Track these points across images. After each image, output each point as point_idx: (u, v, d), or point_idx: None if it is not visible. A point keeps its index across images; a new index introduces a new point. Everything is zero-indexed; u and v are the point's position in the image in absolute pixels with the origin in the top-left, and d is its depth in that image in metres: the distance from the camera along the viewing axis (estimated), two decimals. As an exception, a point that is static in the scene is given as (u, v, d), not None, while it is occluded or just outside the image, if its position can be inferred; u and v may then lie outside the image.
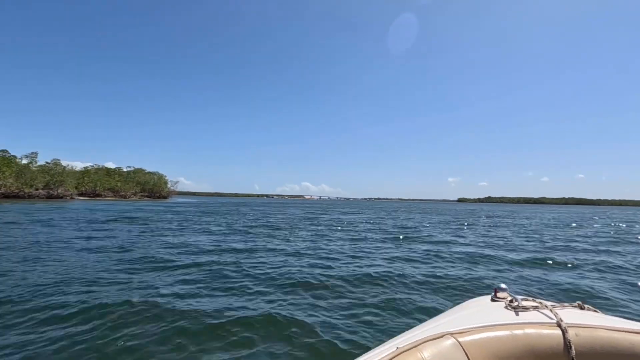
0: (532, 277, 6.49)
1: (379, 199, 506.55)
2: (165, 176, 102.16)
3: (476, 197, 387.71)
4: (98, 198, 72.81)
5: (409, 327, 1.50)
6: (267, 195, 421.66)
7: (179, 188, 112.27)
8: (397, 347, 1.08)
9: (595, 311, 1.41)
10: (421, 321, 1.56)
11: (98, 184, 77.84)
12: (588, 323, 1.22)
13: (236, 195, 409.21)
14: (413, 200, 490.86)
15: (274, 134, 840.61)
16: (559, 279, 6.33)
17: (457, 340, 1.14)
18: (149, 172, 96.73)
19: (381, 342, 1.27)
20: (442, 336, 1.15)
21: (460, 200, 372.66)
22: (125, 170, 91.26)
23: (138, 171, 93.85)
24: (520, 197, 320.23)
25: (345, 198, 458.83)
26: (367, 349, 1.36)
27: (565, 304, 1.43)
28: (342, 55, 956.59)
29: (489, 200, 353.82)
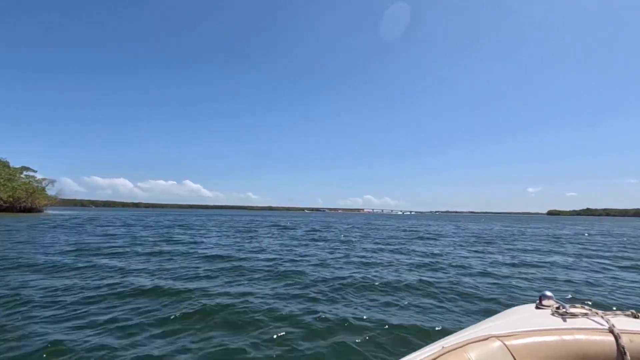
0: None
1: (447, 212, 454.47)
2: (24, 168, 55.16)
3: (568, 209, 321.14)
4: None
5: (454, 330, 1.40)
6: (307, 209, 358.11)
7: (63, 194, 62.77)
8: (443, 347, 1.10)
9: None
10: (466, 326, 1.42)
11: None
12: None
13: (287, 209, 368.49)
14: (487, 213, 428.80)
15: (337, 145, 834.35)
16: None
17: (504, 343, 1.12)
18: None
19: (428, 343, 1.22)
20: (487, 338, 1.14)
21: (551, 213, 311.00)
22: None
23: None
24: None
25: (409, 212, 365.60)
26: (414, 349, 1.24)
27: (618, 312, 1.35)
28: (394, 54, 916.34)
29: (588, 212, 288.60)
